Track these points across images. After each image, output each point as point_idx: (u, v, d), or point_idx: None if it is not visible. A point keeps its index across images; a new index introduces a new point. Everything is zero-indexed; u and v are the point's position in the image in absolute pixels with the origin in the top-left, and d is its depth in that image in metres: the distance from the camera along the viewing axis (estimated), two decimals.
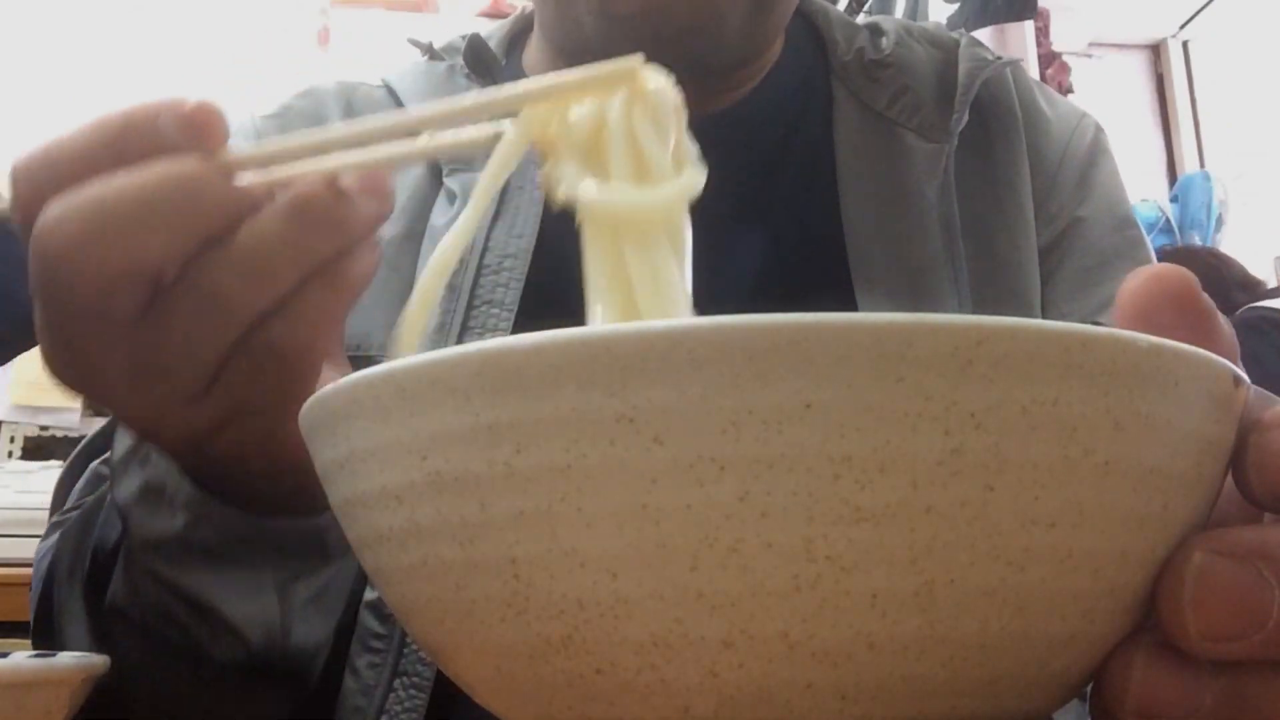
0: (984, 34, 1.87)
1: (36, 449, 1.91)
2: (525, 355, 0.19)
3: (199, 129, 0.31)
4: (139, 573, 0.40)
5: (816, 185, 0.59)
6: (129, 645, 0.42)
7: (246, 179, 0.31)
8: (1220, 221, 2.76)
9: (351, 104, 0.64)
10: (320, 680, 0.48)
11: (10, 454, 1.91)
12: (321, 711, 0.48)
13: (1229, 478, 0.23)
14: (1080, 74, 2.44)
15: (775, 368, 0.18)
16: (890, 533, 0.18)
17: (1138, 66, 3.19)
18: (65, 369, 0.34)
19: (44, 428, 1.95)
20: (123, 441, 0.40)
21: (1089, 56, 2.73)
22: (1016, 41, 1.92)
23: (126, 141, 0.31)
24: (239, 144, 0.32)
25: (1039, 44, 2.17)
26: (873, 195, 0.59)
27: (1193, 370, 0.20)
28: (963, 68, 0.62)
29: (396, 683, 0.47)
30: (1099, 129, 0.65)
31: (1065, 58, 2.36)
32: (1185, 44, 3.17)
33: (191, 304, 0.31)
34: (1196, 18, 3.08)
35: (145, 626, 0.41)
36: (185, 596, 0.39)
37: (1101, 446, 0.19)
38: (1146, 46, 3.20)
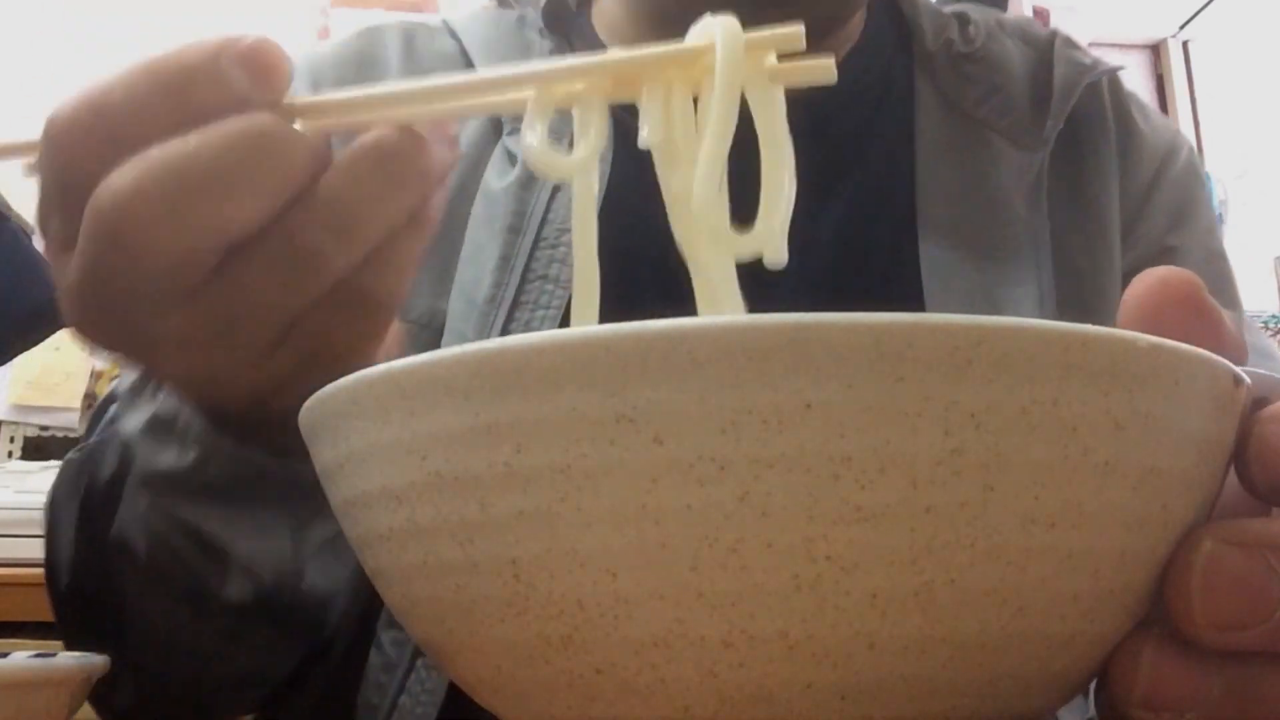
0: None
1: (36, 449, 1.91)
2: (525, 355, 0.19)
3: (264, 72, 0.28)
4: (148, 507, 0.39)
5: (894, 180, 0.56)
6: (132, 581, 0.41)
7: (305, 127, 0.29)
8: (1220, 221, 2.76)
9: (413, 45, 0.61)
10: (344, 651, 0.48)
11: (10, 454, 1.91)
12: (346, 686, 0.48)
13: (1232, 474, 0.23)
14: None
15: (775, 368, 0.18)
16: (890, 533, 0.18)
17: (1138, 66, 3.18)
18: (104, 338, 0.31)
19: (44, 428, 1.94)
20: (131, 373, 0.39)
21: None
22: None
23: (187, 89, 0.28)
24: (297, 89, 0.30)
25: None
26: (954, 197, 0.55)
27: (1193, 370, 0.20)
28: (1058, 71, 0.58)
29: (418, 661, 0.47)
30: (1192, 150, 0.63)
31: None
32: (1185, 44, 3.17)
33: (272, 262, 0.29)
34: (1196, 18, 3.07)
35: (151, 564, 0.40)
36: (194, 534, 0.38)
37: (1101, 446, 0.19)
38: (1146, 46, 3.19)
